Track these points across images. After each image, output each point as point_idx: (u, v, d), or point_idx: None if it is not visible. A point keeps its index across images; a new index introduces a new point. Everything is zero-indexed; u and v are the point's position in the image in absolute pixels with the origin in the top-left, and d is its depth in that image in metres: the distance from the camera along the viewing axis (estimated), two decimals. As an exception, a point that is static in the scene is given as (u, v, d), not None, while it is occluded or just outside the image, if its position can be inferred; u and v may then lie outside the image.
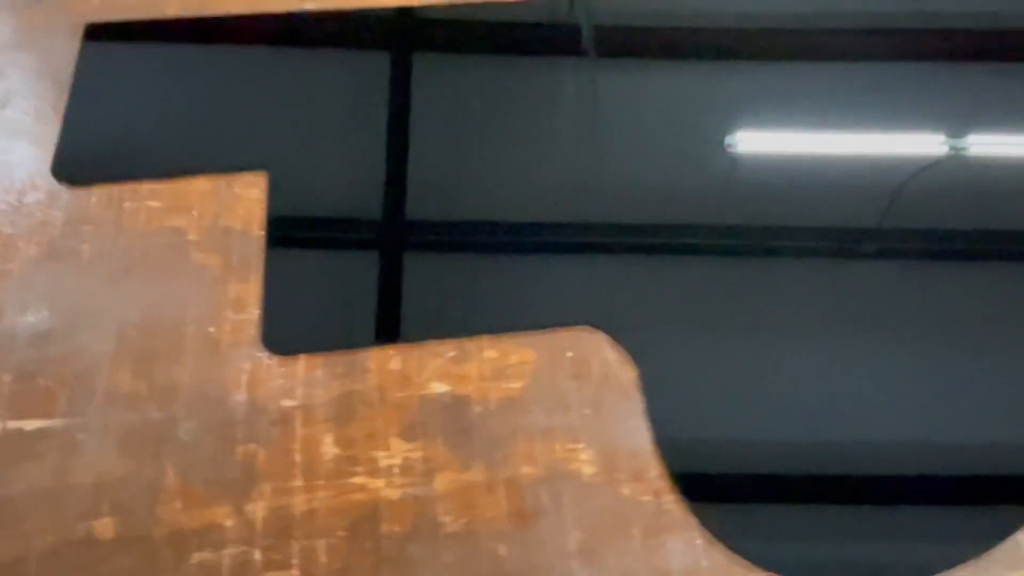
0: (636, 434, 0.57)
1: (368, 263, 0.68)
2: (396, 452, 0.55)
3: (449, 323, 0.61)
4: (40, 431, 0.55)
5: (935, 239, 0.69)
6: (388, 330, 0.62)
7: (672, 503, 0.53)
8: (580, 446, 0.56)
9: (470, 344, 0.60)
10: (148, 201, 0.66)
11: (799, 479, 0.59)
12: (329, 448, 0.55)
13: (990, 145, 0.74)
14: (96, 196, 0.66)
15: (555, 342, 0.61)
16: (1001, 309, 0.64)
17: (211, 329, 0.60)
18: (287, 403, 0.57)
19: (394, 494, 0.53)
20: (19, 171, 0.68)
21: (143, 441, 0.55)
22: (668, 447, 0.55)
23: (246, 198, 0.67)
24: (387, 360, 0.59)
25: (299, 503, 0.53)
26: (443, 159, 0.70)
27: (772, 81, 0.77)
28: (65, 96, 0.72)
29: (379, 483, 0.54)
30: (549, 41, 0.81)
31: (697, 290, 0.65)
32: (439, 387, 0.58)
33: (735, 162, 0.72)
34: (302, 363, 0.59)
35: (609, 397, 0.58)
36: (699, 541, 0.52)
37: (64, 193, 0.66)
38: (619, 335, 0.60)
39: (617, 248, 0.69)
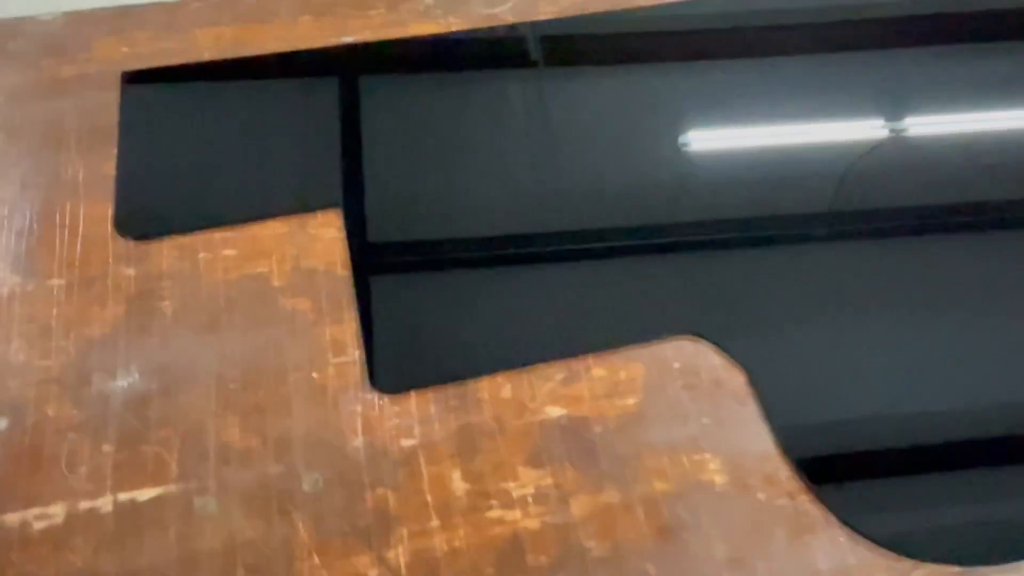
0: (758, 438, 0.57)
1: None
2: (527, 481, 0.55)
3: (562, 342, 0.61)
4: (156, 500, 0.53)
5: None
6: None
7: (808, 503, 0.54)
8: (707, 456, 0.56)
9: (577, 364, 0.60)
10: (224, 250, 0.64)
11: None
12: (459, 484, 0.54)
13: (927, 125, 0.77)
14: (167, 250, 0.64)
15: (659, 354, 0.61)
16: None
17: (314, 375, 0.59)
18: (407, 442, 0.56)
19: (533, 524, 0.53)
20: (81, 230, 0.65)
21: (267, 498, 0.53)
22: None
23: (323, 238, 0.66)
24: (498, 389, 0.59)
25: (440, 544, 0.52)
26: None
27: (716, 80, 0.79)
28: (114, 149, 0.70)
29: (516, 514, 0.53)
30: (496, 54, 0.81)
31: (709, 285, 0.65)
32: (555, 411, 0.58)
33: (690, 159, 0.73)
34: (413, 400, 0.58)
35: (724, 404, 0.58)
36: (842, 539, 0.52)
37: (133, 249, 0.64)
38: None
39: (599, 254, 0.69)
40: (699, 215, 0.69)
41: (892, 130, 0.76)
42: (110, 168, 0.68)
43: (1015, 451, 0.58)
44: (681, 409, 0.58)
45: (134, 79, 0.74)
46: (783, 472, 0.55)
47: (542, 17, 0.81)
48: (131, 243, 0.64)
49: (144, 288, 0.62)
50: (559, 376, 0.60)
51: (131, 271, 0.63)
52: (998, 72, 0.80)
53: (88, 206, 0.66)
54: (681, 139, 0.74)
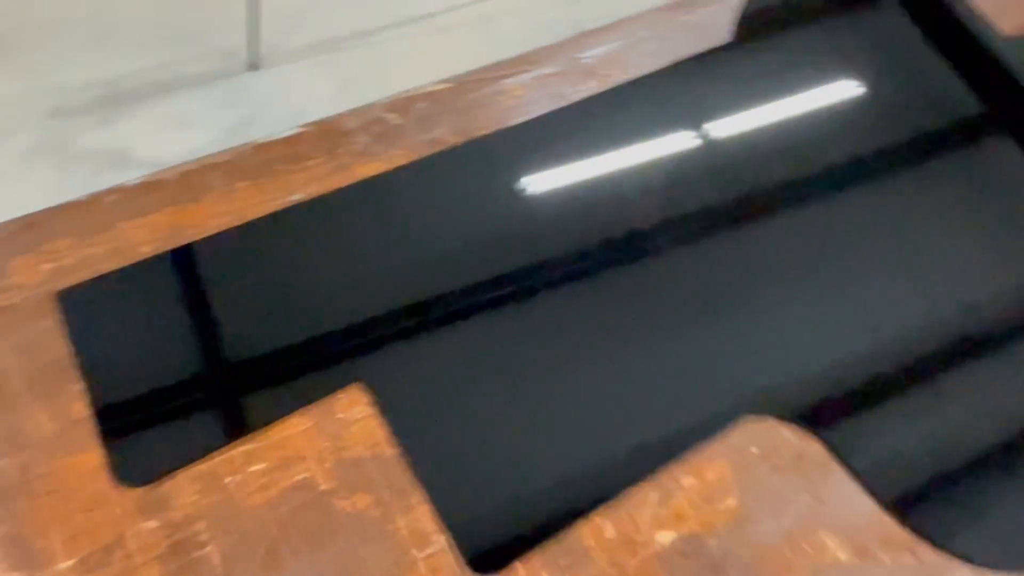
0: (857, 500, 0.58)
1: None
2: (671, 621, 0.52)
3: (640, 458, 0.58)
4: None
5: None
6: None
7: (928, 552, 0.55)
8: (821, 534, 0.56)
9: (666, 479, 0.58)
10: (251, 466, 0.57)
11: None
12: (607, 650, 0.51)
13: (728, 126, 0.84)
14: (186, 485, 0.56)
15: (735, 444, 0.60)
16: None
17: (408, 578, 0.53)
18: (536, 622, 0.51)
19: (697, 666, 0.50)
20: (74, 492, 0.55)
21: None
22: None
23: (356, 419, 0.60)
24: (600, 531, 0.56)
25: None
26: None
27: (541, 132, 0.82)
28: (78, 385, 0.60)
29: (676, 662, 0.50)
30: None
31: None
32: (666, 536, 0.56)
33: (536, 203, 0.76)
34: (520, 571, 0.54)
35: (813, 476, 0.59)
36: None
37: (145, 497, 0.55)
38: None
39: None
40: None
41: (696, 148, 0.81)
42: (82, 409, 0.59)
43: None
44: (779, 494, 0.58)
45: (71, 297, 0.64)
46: (893, 530, 0.56)
47: (482, 132, 0.80)
48: (140, 490, 0.55)
49: (176, 540, 0.53)
50: (654, 496, 0.57)
51: (152, 524, 0.54)
52: (767, 67, 0.87)
53: (71, 461, 0.56)
54: (509, 207, 0.75)
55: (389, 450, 0.59)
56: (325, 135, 0.79)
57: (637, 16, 0.95)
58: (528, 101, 0.83)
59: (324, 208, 0.73)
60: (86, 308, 0.64)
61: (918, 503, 0.58)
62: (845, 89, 0.88)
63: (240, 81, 2.07)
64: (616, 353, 0.65)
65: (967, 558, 0.55)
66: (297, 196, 0.74)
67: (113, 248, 0.68)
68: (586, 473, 0.59)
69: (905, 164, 0.82)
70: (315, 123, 0.80)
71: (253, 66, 2.09)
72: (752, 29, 0.93)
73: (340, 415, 0.60)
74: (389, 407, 0.61)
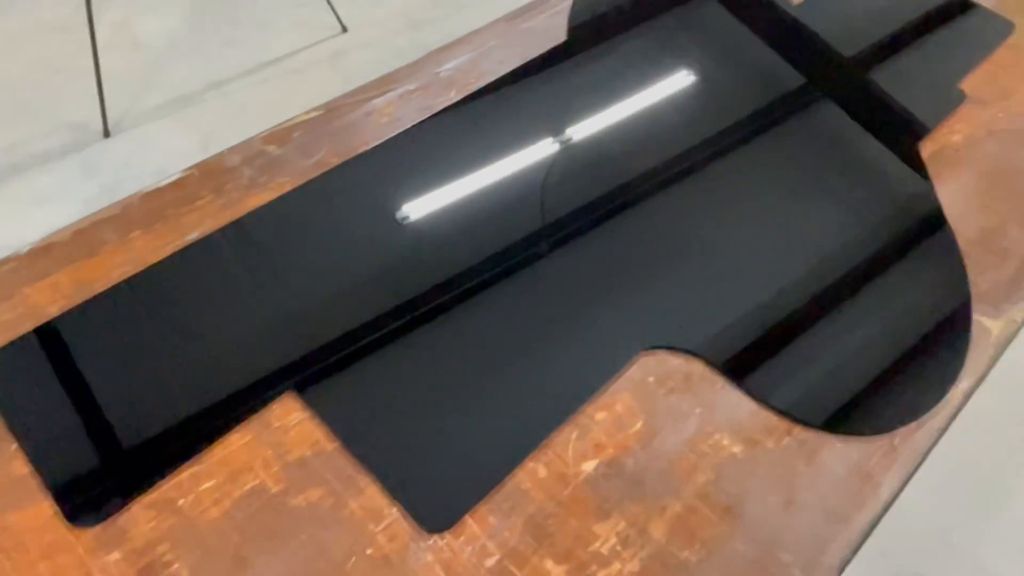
0: (740, 403, 0.68)
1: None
2: (606, 534, 0.59)
3: (558, 405, 0.66)
4: None
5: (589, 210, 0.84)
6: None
7: (803, 432, 0.66)
8: (716, 436, 0.65)
9: (583, 418, 0.66)
10: (201, 485, 0.60)
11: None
12: (556, 570, 0.57)
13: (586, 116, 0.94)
14: (141, 514, 0.58)
15: (635, 377, 0.69)
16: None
17: (369, 552, 0.58)
18: (490, 561, 0.58)
19: (634, 566, 0.58)
20: (31, 546, 0.56)
21: None
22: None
23: (293, 424, 0.64)
24: (534, 473, 0.63)
25: (577, 627, 0.54)
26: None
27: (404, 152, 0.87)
28: (13, 444, 0.61)
29: (617, 567, 0.58)
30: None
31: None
32: (589, 465, 0.63)
33: (421, 207, 0.81)
34: (471, 523, 0.60)
35: (702, 391, 0.68)
36: (809, 433, 0.65)
37: (103, 533, 0.57)
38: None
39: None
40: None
41: (561, 142, 0.90)
42: (21, 466, 0.60)
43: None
44: (676, 411, 0.67)
45: (-18, 366, 0.65)
46: (774, 418, 0.67)
47: (361, 149, 0.86)
48: (96, 529, 0.57)
49: (143, 565, 0.56)
50: (574, 434, 0.65)
51: (116, 556, 0.56)
52: (615, 67, 1.00)
53: (23, 515, 0.57)
54: (398, 215, 0.80)
55: (330, 446, 0.63)
56: (210, 174, 0.83)
57: (484, 28, 1.04)
58: (398, 116, 0.90)
59: (222, 241, 0.77)
60: (6, 372, 0.65)
61: (789, 395, 0.68)
62: (678, 76, 1.00)
63: (95, 150, 2.02)
64: (522, 328, 0.73)
65: (833, 431, 0.66)
66: (193, 235, 0.77)
67: (21, 313, 0.69)
68: (514, 429, 0.66)
69: (749, 134, 0.94)
70: (198, 164, 0.84)
71: (106, 134, 2.05)
72: (583, 28, 1.04)
73: (277, 424, 0.64)
74: (322, 409, 0.66)
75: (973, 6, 1.11)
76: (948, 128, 0.93)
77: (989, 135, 0.93)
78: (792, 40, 1.06)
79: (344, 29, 2.39)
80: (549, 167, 0.87)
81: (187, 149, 2.07)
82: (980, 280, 0.78)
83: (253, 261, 0.76)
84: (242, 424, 0.64)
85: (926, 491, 1.48)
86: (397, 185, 0.84)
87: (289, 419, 0.65)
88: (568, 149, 0.89)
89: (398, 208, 0.82)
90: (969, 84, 0.99)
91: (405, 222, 0.80)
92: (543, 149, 0.89)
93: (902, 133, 0.93)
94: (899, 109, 0.96)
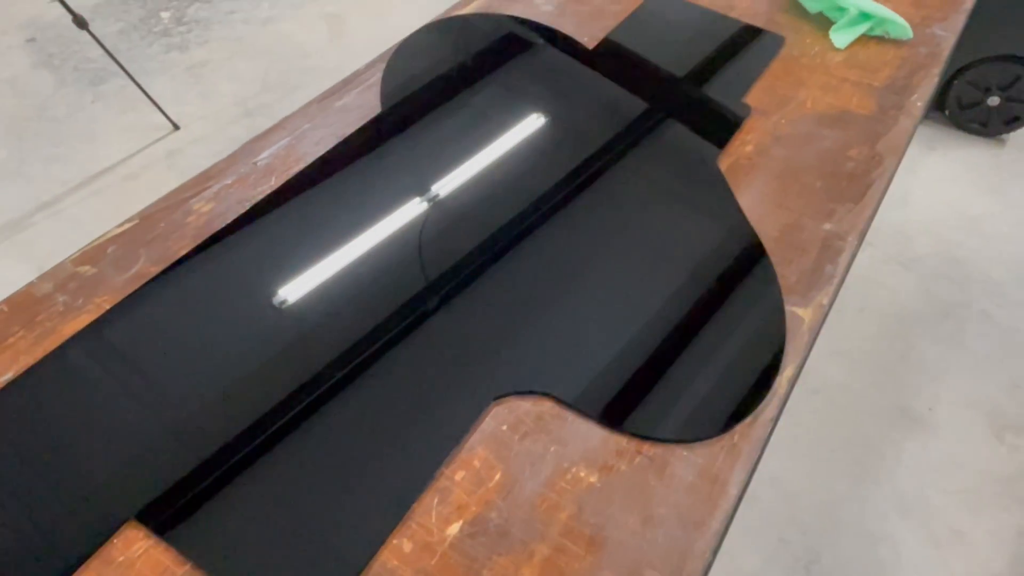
0: (590, 432, 0.70)
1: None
2: (479, 593, 0.59)
3: (417, 471, 0.66)
4: None
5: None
6: None
7: (651, 447, 0.68)
8: (573, 470, 0.67)
9: (442, 481, 0.66)
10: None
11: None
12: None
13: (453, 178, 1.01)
14: None
15: (488, 430, 0.70)
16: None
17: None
18: (367, 649, 0.56)
19: (511, 617, 0.58)
20: None
21: None
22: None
23: (138, 555, 0.61)
24: (399, 549, 0.62)
25: None
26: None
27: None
28: None
29: None
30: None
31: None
32: (454, 528, 0.63)
33: (250, 306, 0.80)
34: (341, 615, 0.58)
35: (553, 428, 0.70)
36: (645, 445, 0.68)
37: None
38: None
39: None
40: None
41: (429, 199, 0.93)
42: None
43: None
44: (533, 454, 0.68)
45: None
46: (624, 440, 0.69)
47: (181, 254, 0.84)
48: None
49: None
50: (435, 501, 0.65)
51: None
52: (481, 109, 1.05)
53: None
54: (275, 301, 0.80)
55: (180, 569, 0.60)
56: (20, 308, 0.78)
57: (296, 112, 1.05)
58: (217, 214, 0.89)
59: (37, 379, 0.72)
60: None
61: (636, 416, 0.71)
62: (498, 133, 1.04)
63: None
64: (370, 408, 0.72)
65: (678, 440, 0.69)
66: (8, 375, 0.72)
67: None
68: (375, 509, 0.65)
69: (597, 166, 0.99)
70: (6, 299, 0.79)
71: (-75, 275, 1.89)
72: (397, 98, 1.07)
73: (120, 558, 0.61)
74: (166, 533, 0.62)
75: (748, 26, 1.23)
76: (740, 140, 1.02)
77: (776, 141, 1.02)
78: (589, 75, 1.13)
79: (176, 127, 2.34)
80: (385, 245, 0.87)
81: (22, 278, 1.94)
82: (787, 273, 0.85)
83: (71, 393, 0.72)
84: (84, 565, 0.60)
85: (808, 473, 1.56)
86: (218, 286, 0.82)
87: (133, 549, 0.61)
88: (388, 224, 0.90)
89: (220, 309, 0.80)
90: (753, 97, 1.09)
91: (234, 324, 0.79)
92: (366, 227, 0.90)
93: (702, 152, 1.00)
94: (695, 131, 1.04)
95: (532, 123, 1.04)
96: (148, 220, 0.88)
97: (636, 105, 1.08)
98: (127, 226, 0.87)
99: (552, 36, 1.18)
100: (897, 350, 1.82)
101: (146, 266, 0.83)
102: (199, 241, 0.86)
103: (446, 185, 0.94)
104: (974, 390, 1.75)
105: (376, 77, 1.10)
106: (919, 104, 1.08)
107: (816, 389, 1.73)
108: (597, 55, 1.15)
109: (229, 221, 0.88)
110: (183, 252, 0.85)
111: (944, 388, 1.75)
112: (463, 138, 1.01)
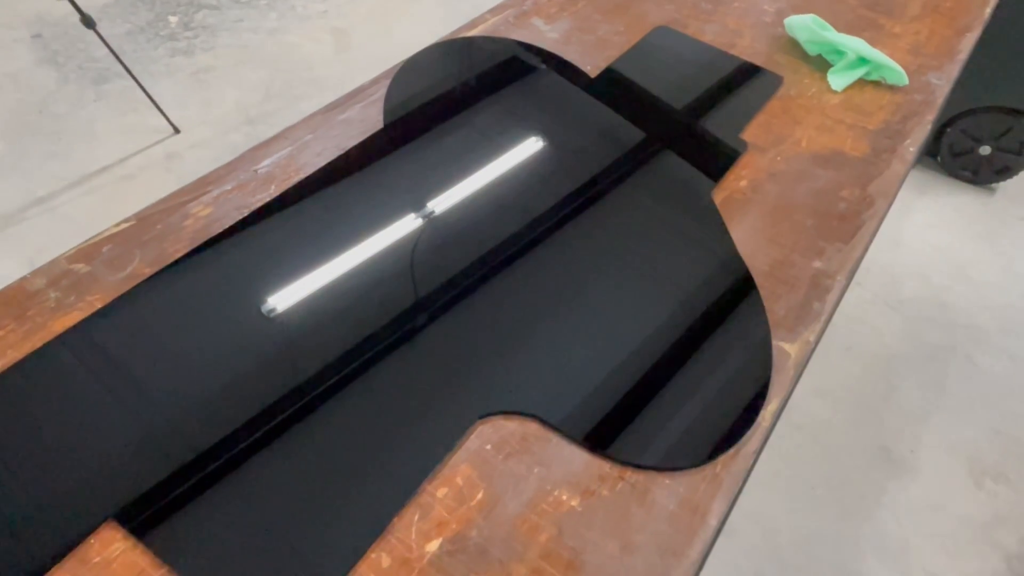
0: (574, 456, 0.70)
1: None
2: (455, 611, 0.59)
3: (400, 486, 0.66)
4: None
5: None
6: None
7: (633, 474, 0.69)
8: (555, 493, 0.67)
9: (424, 497, 0.66)
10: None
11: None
12: (408, 658, 0.56)
13: (448, 196, 1.04)
14: None
15: (472, 448, 0.70)
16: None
17: None
18: (340, 663, 0.56)
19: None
20: None
21: None
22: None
23: (115, 556, 0.60)
24: (377, 563, 0.62)
25: None
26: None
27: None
28: None
29: (468, 642, 0.57)
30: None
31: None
32: (433, 545, 0.63)
33: (241, 314, 0.80)
34: (315, 627, 0.58)
35: (537, 450, 0.71)
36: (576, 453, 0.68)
37: None
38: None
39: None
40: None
41: (424, 216, 0.94)
42: None
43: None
44: (516, 474, 0.68)
45: None
46: (607, 466, 0.69)
47: (175, 256, 0.84)
48: None
49: None
50: (416, 517, 0.65)
51: None
52: (481, 130, 1.07)
53: None
54: (264, 308, 0.80)
55: (156, 573, 0.60)
56: (11, 302, 0.78)
57: (300, 123, 1.06)
58: (214, 219, 0.89)
59: (24, 374, 0.72)
60: None
61: (620, 441, 0.72)
62: (502, 151, 1.06)
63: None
64: (356, 418, 0.72)
65: (661, 468, 0.70)
66: (-6, 369, 0.72)
67: None
68: (354, 522, 0.65)
69: (592, 192, 1.00)
70: (-2, 293, 0.79)
71: (-86, 264, 1.88)
72: (397, 116, 1.08)
73: (97, 559, 0.60)
74: (145, 535, 0.62)
75: (748, 64, 1.25)
76: (735, 175, 1.03)
77: (770, 177, 1.04)
78: (591, 103, 1.14)
79: (176, 130, 2.35)
80: (415, 241, 0.88)
81: (11, 272, 1.94)
82: (776, 308, 0.86)
83: (58, 389, 0.71)
84: (59, 564, 0.60)
85: (788, 509, 1.57)
86: (210, 291, 0.82)
87: (111, 550, 0.61)
88: (382, 238, 0.91)
89: (212, 314, 0.80)
90: (750, 133, 1.11)
91: (224, 329, 0.79)
92: (361, 240, 0.91)
93: (697, 185, 1.02)
94: (692, 163, 1.06)
95: (530, 146, 1.05)
96: (145, 221, 0.89)
97: (634, 134, 1.10)
98: (124, 226, 0.88)
99: (555, 62, 1.20)
100: (881, 390, 1.84)
101: (140, 267, 0.83)
102: (195, 245, 0.86)
103: (442, 203, 0.95)
104: (956, 434, 1.76)
105: (380, 93, 1.11)
106: (912, 149, 1.10)
107: (800, 425, 1.74)
108: (598, 83, 1.17)
109: (226, 227, 0.89)
110: (178, 255, 0.85)
111: (926, 431, 1.77)
112: (461, 158, 1.02)
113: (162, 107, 2.31)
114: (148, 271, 0.83)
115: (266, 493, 0.66)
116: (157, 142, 2.31)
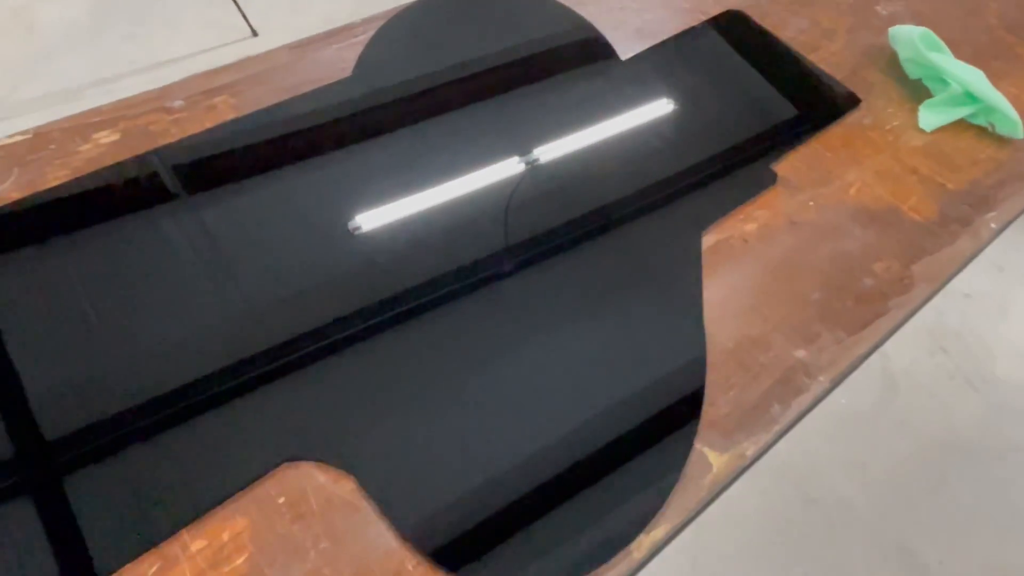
0: (380, 538, 0.56)
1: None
2: None
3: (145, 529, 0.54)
4: None
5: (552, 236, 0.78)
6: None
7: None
8: (333, 581, 0.54)
9: (172, 546, 0.54)
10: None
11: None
12: None
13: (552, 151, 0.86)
14: None
15: (261, 496, 0.57)
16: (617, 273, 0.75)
17: None
18: None
19: None
20: None
21: None
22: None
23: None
24: (82, 616, 0.51)
25: None
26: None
27: (360, 163, 0.82)
28: None
29: None
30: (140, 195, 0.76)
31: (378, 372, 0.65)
32: (159, 610, 0.51)
33: (362, 243, 0.74)
34: None
35: (337, 520, 0.57)
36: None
37: None
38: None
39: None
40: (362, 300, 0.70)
41: (527, 162, 0.83)
42: None
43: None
44: (296, 544, 0.55)
45: None
46: (409, 562, 0.55)
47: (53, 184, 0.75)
48: None
49: None
50: (151, 570, 0.53)
51: None
52: (576, 97, 0.92)
53: None
54: (351, 225, 0.75)
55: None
56: None
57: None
58: (114, 149, 0.79)
59: None
60: None
61: (436, 533, 0.57)
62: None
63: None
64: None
65: (482, 582, 0.54)
66: None
67: None
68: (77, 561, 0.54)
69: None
70: None
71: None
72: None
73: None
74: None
75: (821, 75, 1.01)
76: (743, 215, 0.83)
77: (789, 226, 0.82)
78: (613, 89, 0.95)
79: (255, 33, 2.28)
80: (514, 187, 0.76)
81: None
82: (720, 402, 0.67)
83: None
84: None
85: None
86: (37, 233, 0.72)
87: None
88: (539, 166, 0.78)
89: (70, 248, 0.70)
90: (786, 164, 0.89)
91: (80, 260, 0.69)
92: (509, 166, 0.78)
93: (685, 224, 0.82)
94: (689, 195, 0.85)
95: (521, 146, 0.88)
96: (40, 138, 0.79)
97: (635, 140, 0.90)
98: (17, 139, 0.79)
99: (586, 38, 1.01)
100: (928, 481, 1.57)
101: (9, 189, 0.74)
102: (82, 173, 0.76)
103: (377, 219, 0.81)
104: (1000, 558, 1.48)
105: (367, 36, 0.97)
106: (993, 226, 0.85)
107: (814, 499, 1.51)
108: (623, 70, 0.97)
109: (120, 159, 0.78)
110: (56, 182, 0.75)
111: (965, 543, 1.49)
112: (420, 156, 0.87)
113: (247, 10, 2.24)
114: (15, 195, 0.73)
115: None
116: (231, 42, 2.26)
